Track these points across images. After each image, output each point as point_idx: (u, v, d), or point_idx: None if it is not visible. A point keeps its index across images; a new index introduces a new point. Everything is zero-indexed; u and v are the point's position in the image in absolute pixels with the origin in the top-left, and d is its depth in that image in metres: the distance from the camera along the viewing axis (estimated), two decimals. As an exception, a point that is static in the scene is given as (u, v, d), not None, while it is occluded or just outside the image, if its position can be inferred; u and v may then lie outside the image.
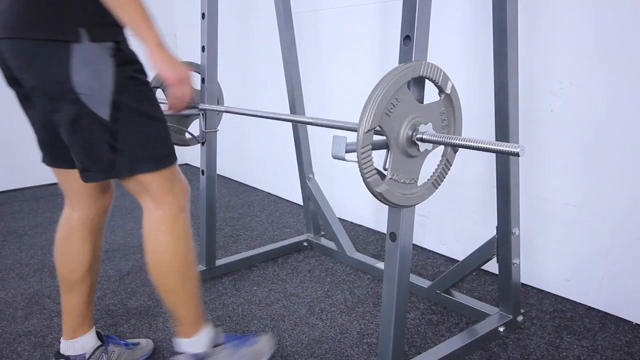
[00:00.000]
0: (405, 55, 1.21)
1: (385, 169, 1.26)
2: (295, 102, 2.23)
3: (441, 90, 1.23)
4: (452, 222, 2.30)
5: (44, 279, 2.19)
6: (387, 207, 1.32)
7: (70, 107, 1.17)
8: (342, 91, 2.69)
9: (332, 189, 2.76)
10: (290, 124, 2.37)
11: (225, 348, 1.46)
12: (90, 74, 1.15)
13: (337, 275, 2.18)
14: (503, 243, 1.65)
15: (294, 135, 2.29)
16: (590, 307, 1.85)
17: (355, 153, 1.11)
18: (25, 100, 1.28)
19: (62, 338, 1.48)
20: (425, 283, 1.98)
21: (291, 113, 2.26)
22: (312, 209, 2.43)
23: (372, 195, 1.18)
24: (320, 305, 1.94)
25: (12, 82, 1.25)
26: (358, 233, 2.65)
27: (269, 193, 3.44)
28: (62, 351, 1.47)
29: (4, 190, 3.52)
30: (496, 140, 1.59)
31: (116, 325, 1.83)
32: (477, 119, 2.03)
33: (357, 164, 1.19)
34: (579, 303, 1.89)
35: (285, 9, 2.14)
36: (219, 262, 2.20)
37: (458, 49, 2.11)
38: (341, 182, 2.79)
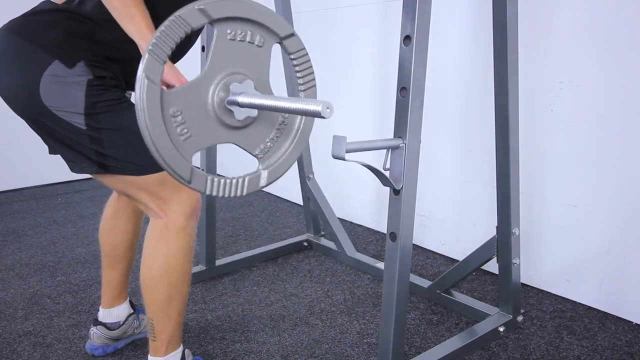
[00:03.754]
0: (405, 55, 1.21)
1: (386, 169, 1.24)
2: (295, 102, 2.22)
3: (215, 21, 0.89)
4: (452, 222, 2.30)
5: (44, 279, 2.19)
6: (387, 207, 1.32)
7: (42, 116, 1.17)
8: (342, 91, 2.69)
9: (332, 189, 2.76)
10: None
11: None
12: (58, 91, 1.15)
13: (337, 275, 2.18)
14: (503, 243, 1.65)
15: (294, 135, 2.29)
16: (590, 307, 1.85)
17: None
18: None
19: (100, 307, 1.61)
20: (425, 283, 1.98)
21: (291, 113, 2.25)
22: (312, 209, 2.43)
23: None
24: (320, 305, 1.94)
25: None
26: (358, 233, 2.65)
27: (269, 193, 3.44)
28: (100, 319, 1.60)
29: (4, 190, 3.51)
30: (496, 141, 1.59)
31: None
32: (477, 119, 2.03)
33: (357, 164, 1.18)
34: (579, 303, 1.89)
35: (285, 9, 2.14)
36: (219, 262, 2.20)
37: (458, 49, 2.11)
38: (341, 182, 2.79)
